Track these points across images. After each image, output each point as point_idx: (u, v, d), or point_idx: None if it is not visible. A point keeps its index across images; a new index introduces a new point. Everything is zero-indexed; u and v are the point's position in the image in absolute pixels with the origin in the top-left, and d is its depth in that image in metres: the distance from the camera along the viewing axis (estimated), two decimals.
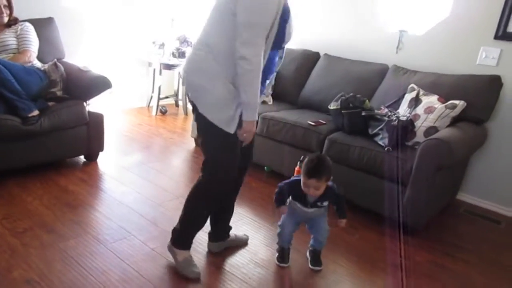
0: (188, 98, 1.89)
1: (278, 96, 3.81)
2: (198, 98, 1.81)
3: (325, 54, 3.82)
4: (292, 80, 3.83)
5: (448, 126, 2.79)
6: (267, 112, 3.34)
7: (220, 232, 2.23)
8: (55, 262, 1.98)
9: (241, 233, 2.39)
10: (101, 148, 3.12)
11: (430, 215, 2.75)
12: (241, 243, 2.33)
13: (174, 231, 2.04)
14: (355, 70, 3.54)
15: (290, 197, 2.09)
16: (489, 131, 3.08)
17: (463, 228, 2.90)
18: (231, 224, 2.28)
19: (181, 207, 2.02)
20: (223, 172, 1.89)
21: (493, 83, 2.91)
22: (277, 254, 2.20)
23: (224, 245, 2.24)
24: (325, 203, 2.06)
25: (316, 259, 2.20)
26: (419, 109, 2.88)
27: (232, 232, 2.30)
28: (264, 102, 3.66)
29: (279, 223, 2.17)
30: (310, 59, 3.87)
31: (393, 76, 3.35)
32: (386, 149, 2.69)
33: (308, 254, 2.24)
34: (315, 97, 3.64)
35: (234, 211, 2.26)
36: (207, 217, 2.07)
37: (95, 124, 2.98)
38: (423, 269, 2.31)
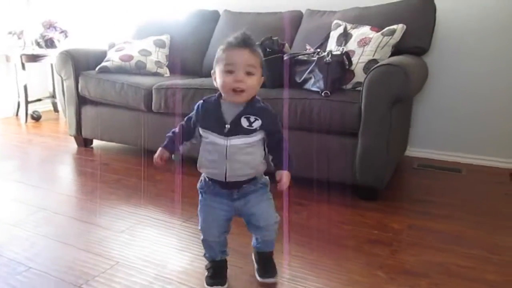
0: None
1: (176, 67, 3.00)
2: None
3: (225, 11, 3.12)
4: (191, 46, 3.07)
5: (390, 57, 2.22)
6: (162, 82, 2.54)
7: None
8: None
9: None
10: None
11: (391, 169, 2.14)
12: None
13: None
14: (264, 22, 2.88)
15: (200, 132, 1.23)
16: (429, 66, 2.58)
17: (426, 183, 2.34)
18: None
19: (47, 222, 1.43)
20: None
21: (427, 4, 2.42)
22: (206, 273, 1.33)
23: None
24: (256, 123, 1.18)
25: (266, 265, 1.35)
26: (351, 44, 2.28)
27: None
28: (158, 74, 2.86)
29: (200, 225, 1.30)
30: (208, 19, 3.16)
31: (310, 20, 2.76)
32: (323, 93, 2.04)
33: (254, 260, 1.40)
34: None
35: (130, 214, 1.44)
36: None
37: None
38: (406, 237, 1.67)
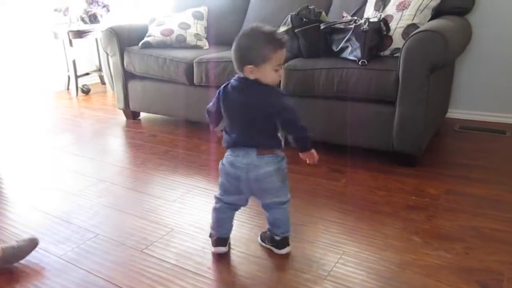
0: None
1: (214, 38, 3.08)
2: None
3: None
4: (228, 15, 3.12)
5: (430, 20, 2.18)
6: (202, 56, 2.63)
7: None
8: None
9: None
10: None
11: (429, 135, 2.17)
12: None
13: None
14: None
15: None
16: (472, 25, 2.51)
17: (467, 146, 2.35)
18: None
19: (106, 193, 1.52)
20: None
21: None
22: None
23: None
24: None
25: (280, 242, 1.41)
26: (390, 9, 2.26)
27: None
28: (198, 47, 2.95)
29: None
30: None
31: None
32: (360, 62, 2.06)
33: (265, 241, 1.46)
34: None
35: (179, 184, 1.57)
36: None
37: None
38: (443, 202, 1.72)
